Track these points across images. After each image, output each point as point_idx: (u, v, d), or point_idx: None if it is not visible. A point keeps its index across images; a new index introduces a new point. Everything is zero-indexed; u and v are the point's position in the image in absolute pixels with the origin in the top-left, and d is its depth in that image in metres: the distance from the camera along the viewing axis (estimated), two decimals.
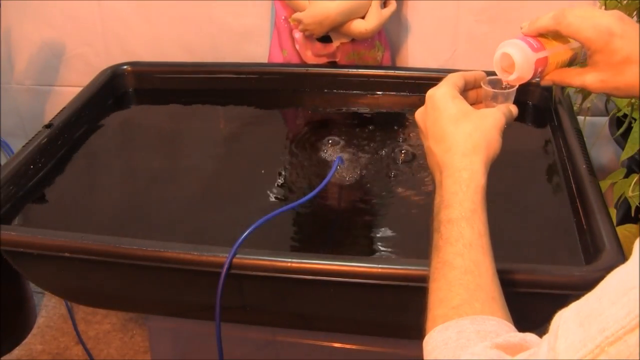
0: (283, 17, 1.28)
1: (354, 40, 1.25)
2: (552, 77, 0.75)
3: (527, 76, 0.72)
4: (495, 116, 0.66)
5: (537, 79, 0.77)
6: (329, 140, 1.09)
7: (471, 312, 0.53)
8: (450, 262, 0.57)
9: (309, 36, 1.25)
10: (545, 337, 0.41)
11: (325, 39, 1.25)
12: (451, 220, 0.59)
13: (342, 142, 1.09)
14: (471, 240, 0.57)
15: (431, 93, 0.68)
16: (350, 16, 1.19)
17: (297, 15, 1.20)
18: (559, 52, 0.74)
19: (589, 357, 0.35)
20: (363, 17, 1.20)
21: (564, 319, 0.39)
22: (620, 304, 0.35)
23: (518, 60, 0.71)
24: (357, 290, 0.78)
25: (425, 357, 0.53)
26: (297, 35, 1.26)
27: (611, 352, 0.34)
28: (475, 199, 0.60)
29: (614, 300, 0.36)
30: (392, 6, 1.24)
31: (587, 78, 0.70)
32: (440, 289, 0.56)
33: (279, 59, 1.33)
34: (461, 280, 0.55)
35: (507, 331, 0.52)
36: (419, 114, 0.70)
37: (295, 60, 1.31)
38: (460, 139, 0.63)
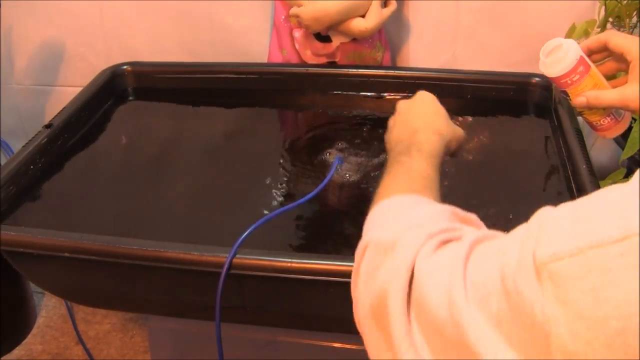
0: (283, 17, 1.28)
1: (355, 40, 1.25)
2: (587, 96, 0.77)
3: (567, 65, 0.75)
4: (462, 132, 0.80)
5: (567, 98, 0.79)
6: (329, 140, 1.09)
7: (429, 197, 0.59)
8: (415, 169, 0.64)
9: (308, 35, 1.25)
10: (522, 225, 0.42)
11: (325, 38, 1.25)
12: (422, 150, 0.68)
13: (342, 142, 1.09)
14: (437, 165, 0.67)
15: (424, 91, 0.82)
16: (349, 15, 1.19)
17: (295, 10, 1.18)
18: (600, 76, 0.77)
19: (565, 254, 0.35)
20: (363, 16, 1.20)
21: (555, 216, 0.39)
22: (616, 216, 0.35)
23: (565, 43, 0.75)
24: None
25: (370, 215, 0.57)
26: (297, 34, 1.26)
27: (589, 254, 0.34)
28: (440, 155, 0.70)
29: (610, 212, 0.35)
30: (393, 6, 1.23)
31: (627, 90, 0.73)
32: (402, 182, 0.63)
33: (278, 58, 1.33)
34: (422, 181, 0.62)
35: None
36: (404, 102, 0.81)
37: (294, 60, 1.31)
38: (437, 120, 0.76)
